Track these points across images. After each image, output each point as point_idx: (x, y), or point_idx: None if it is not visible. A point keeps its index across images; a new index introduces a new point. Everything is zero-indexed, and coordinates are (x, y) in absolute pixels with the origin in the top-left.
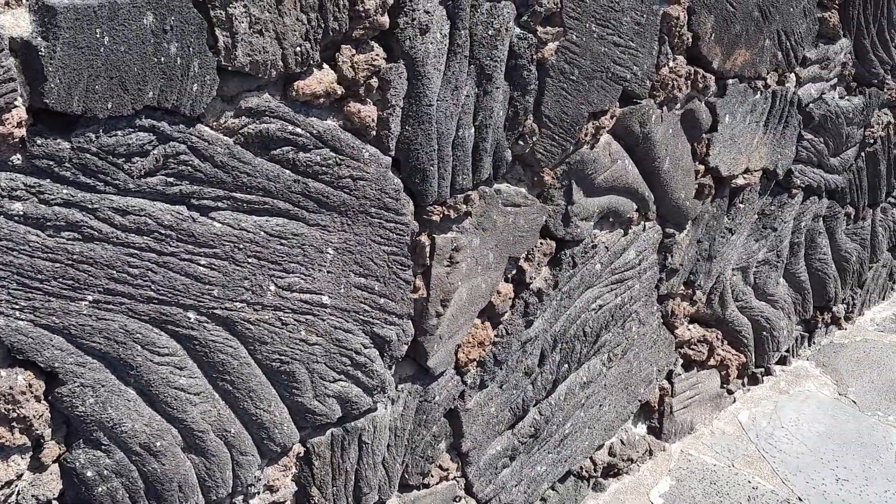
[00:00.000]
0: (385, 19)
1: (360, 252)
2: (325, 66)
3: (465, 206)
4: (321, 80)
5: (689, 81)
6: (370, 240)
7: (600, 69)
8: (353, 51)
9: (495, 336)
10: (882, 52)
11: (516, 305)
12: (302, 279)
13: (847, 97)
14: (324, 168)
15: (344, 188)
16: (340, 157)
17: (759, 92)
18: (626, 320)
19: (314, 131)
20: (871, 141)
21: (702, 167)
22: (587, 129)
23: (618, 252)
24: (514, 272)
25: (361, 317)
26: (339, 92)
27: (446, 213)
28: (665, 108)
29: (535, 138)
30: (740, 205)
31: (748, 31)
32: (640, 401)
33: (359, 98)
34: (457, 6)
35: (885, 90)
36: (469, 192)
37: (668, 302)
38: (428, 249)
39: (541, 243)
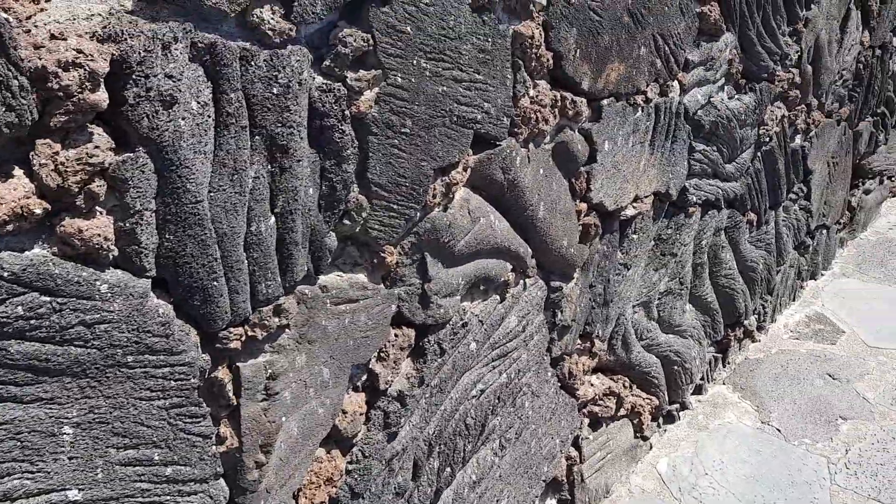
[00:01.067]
0: (100, 96)
1: (119, 418)
2: (16, 171)
3: (277, 320)
4: (1, 196)
5: (556, 110)
6: (133, 398)
7: (441, 114)
8: (58, 146)
9: (348, 464)
10: (770, 42)
11: (372, 419)
12: (28, 480)
13: (737, 96)
14: (32, 322)
15: (73, 341)
16: (59, 300)
17: (640, 108)
18: (517, 397)
19: (4, 273)
20: (767, 139)
21: (584, 205)
22: (435, 188)
23: (495, 322)
24: (364, 379)
25: (141, 499)
26: (40, 210)
27: (250, 333)
28: (532, 145)
29: (365, 213)
30: (634, 236)
31: (619, 40)
32: (544, 481)
33: (78, 211)
34: (218, 61)
35: (777, 83)
36: (280, 301)
37: (563, 363)
38: (231, 385)
39: (395, 336)
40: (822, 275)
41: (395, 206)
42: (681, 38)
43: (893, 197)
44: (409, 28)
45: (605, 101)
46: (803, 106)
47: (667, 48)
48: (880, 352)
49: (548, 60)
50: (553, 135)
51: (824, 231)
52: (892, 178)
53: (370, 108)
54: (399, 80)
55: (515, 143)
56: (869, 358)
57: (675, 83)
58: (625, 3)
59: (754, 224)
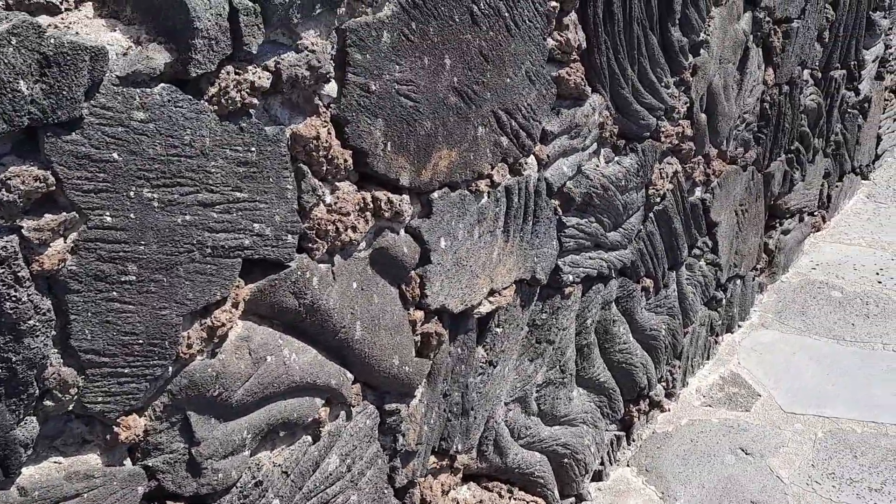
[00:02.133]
0: None
1: None
2: None
3: None
4: None
5: (367, 213)
6: None
7: (186, 248)
8: None
9: None
10: (650, 97)
11: None
12: None
13: (616, 159)
14: None
15: None
16: None
17: (484, 195)
18: None
19: None
20: (658, 199)
21: (420, 313)
22: (190, 336)
23: (308, 469)
24: None
25: None
26: None
27: None
28: (339, 257)
29: (75, 390)
30: (498, 329)
31: (447, 124)
32: None
33: None
34: None
35: (664, 139)
36: None
37: (413, 490)
38: None
39: None
40: (740, 326)
41: (126, 370)
42: (532, 109)
43: (816, 232)
44: (116, 155)
45: (435, 194)
46: (700, 157)
47: (514, 123)
48: (796, 418)
49: (346, 160)
50: (370, 240)
51: (738, 281)
52: (814, 214)
53: (62, 262)
54: (108, 219)
55: (310, 262)
56: (785, 427)
57: (531, 159)
58: (448, 81)
59: (651, 290)
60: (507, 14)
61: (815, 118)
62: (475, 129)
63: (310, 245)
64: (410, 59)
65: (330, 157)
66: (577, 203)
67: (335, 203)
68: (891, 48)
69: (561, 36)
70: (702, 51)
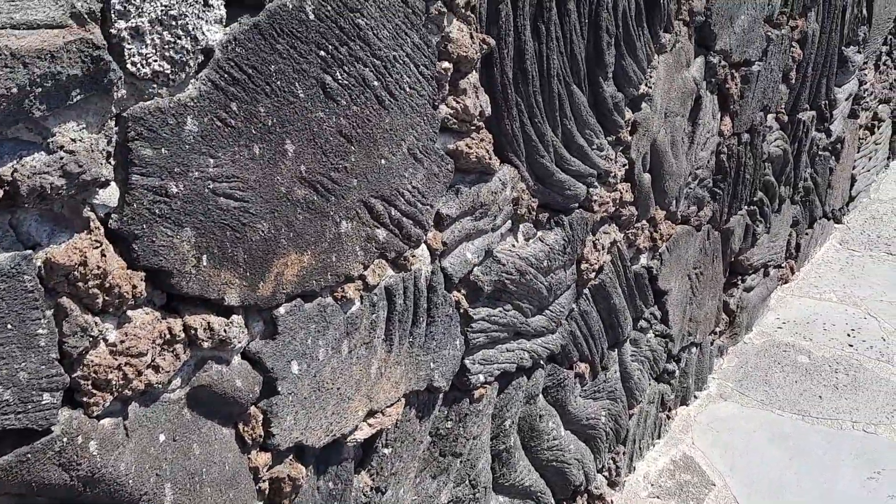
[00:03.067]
0: None
1: None
2: None
3: None
4: None
5: (178, 346)
6: None
7: None
8: None
9: None
10: (578, 163)
11: None
12: None
13: (539, 235)
14: None
15: None
16: None
17: (355, 301)
18: None
19: None
20: (592, 274)
21: (265, 456)
22: None
23: None
24: None
25: None
26: None
27: None
28: (136, 406)
29: None
30: (386, 450)
31: (293, 223)
32: None
33: None
34: None
35: (599, 207)
36: None
37: None
38: None
39: None
40: (696, 397)
41: None
42: (420, 191)
43: (784, 284)
44: None
45: (281, 310)
46: (644, 222)
47: (394, 212)
48: None
49: (135, 286)
50: (188, 376)
51: (694, 349)
52: (781, 266)
53: None
54: None
55: (86, 421)
56: None
57: (422, 250)
58: (293, 172)
59: (587, 375)
60: (376, 83)
61: (781, 165)
62: (336, 226)
63: (85, 399)
64: (232, 150)
65: (108, 284)
66: (486, 292)
67: (122, 341)
68: (865, 84)
69: (457, 102)
70: (643, 105)
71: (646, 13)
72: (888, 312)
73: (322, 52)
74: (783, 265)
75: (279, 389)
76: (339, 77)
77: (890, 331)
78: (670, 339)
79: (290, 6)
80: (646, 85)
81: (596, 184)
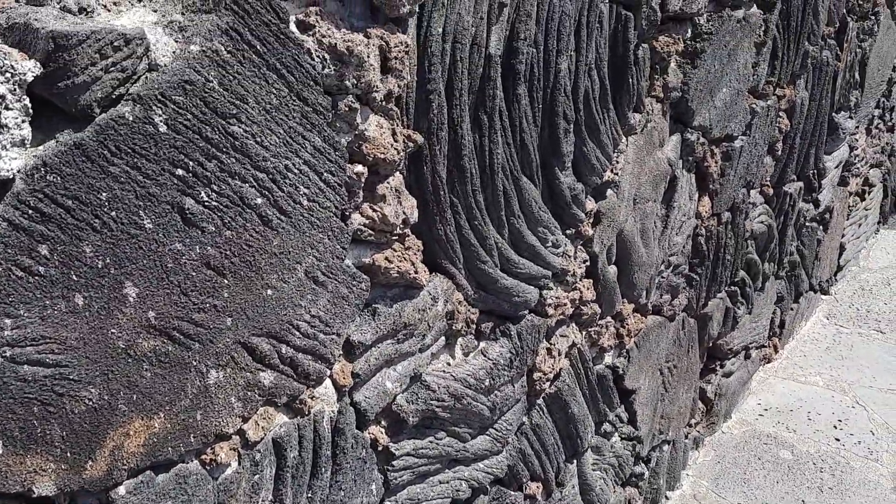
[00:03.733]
0: None
1: None
2: None
3: None
4: None
5: None
6: None
7: None
8: None
9: None
10: (529, 264)
11: None
12: None
13: (480, 348)
14: None
15: None
16: None
17: (230, 463)
18: None
19: None
20: (546, 384)
21: None
22: None
23: None
24: None
25: None
26: None
27: None
28: None
29: None
30: None
31: (136, 384)
32: None
33: None
34: None
35: (555, 309)
36: None
37: None
38: None
39: None
40: (667, 498)
41: None
42: (324, 320)
43: (767, 363)
44: None
45: (122, 489)
46: (609, 319)
47: (286, 349)
48: None
49: None
50: None
51: (666, 446)
52: (764, 346)
53: None
54: None
55: None
56: None
57: (326, 387)
58: (136, 321)
59: (540, 495)
60: (259, 200)
61: (766, 242)
62: (203, 377)
63: None
64: (42, 304)
65: None
66: (411, 424)
67: None
68: (856, 149)
69: (374, 210)
70: (609, 193)
71: (612, 93)
72: (878, 401)
73: (180, 171)
74: (766, 344)
75: None
76: (206, 198)
77: (879, 423)
78: (638, 440)
79: (131, 118)
80: (612, 171)
81: (551, 284)
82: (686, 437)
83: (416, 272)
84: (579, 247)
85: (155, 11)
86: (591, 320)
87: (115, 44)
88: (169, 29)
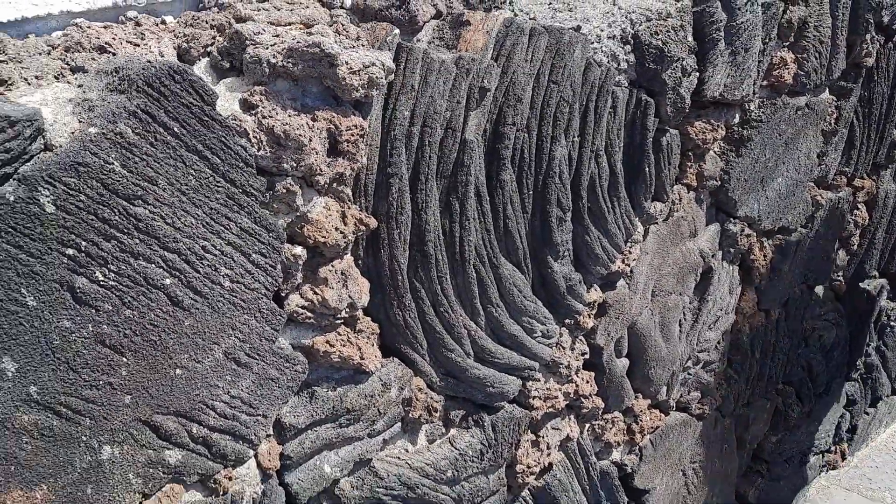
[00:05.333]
0: None
1: None
2: None
3: None
4: None
5: None
6: None
7: None
8: None
9: None
10: (509, 353)
11: None
12: None
13: (449, 437)
14: None
15: None
16: None
17: None
18: None
19: None
20: (531, 478)
21: None
22: None
23: None
24: None
25: None
26: None
27: None
28: None
29: None
30: None
31: (14, 455)
32: None
33: None
34: None
35: (539, 403)
36: None
37: None
38: None
39: None
40: None
41: None
42: (246, 400)
43: (832, 470)
44: None
45: None
46: (616, 413)
47: (198, 428)
48: None
49: None
50: None
51: None
52: (829, 451)
53: None
54: None
55: None
56: None
57: (248, 467)
58: (16, 394)
59: None
60: (168, 281)
61: (831, 343)
62: (93, 452)
63: None
64: None
65: None
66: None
67: None
68: None
69: (315, 293)
70: (620, 284)
71: (627, 181)
72: None
73: (70, 251)
74: (832, 450)
75: None
76: (102, 277)
77: None
78: None
79: (12, 198)
80: (623, 262)
81: (538, 375)
82: None
83: (361, 357)
84: (577, 338)
85: (80, 86)
86: (593, 414)
87: None
88: (80, 108)
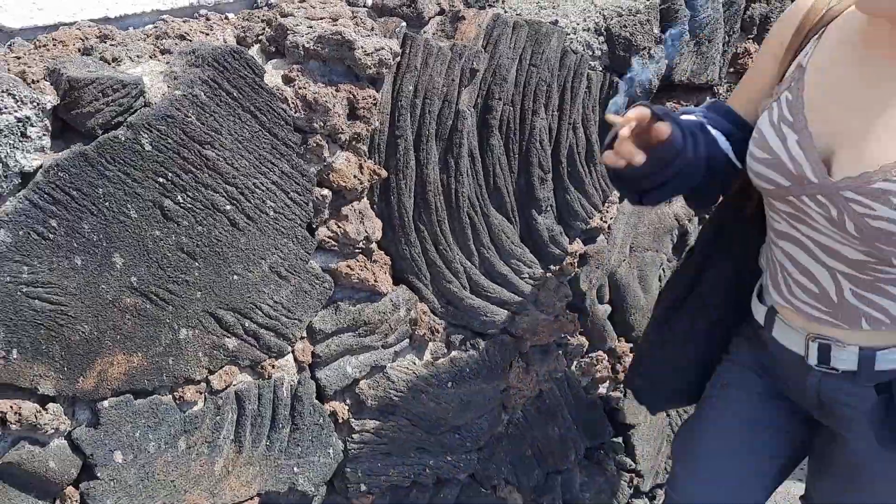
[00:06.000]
0: None
1: None
2: None
3: None
4: None
5: None
6: None
7: None
8: None
9: None
10: (500, 289)
11: None
12: None
13: (449, 358)
14: None
15: None
16: None
17: (196, 402)
18: None
19: None
20: (521, 401)
21: None
22: None
23: None
24: None
25: None
26: None
27: None
28: None
29: None
30: None
31: (120, 327)
32: None
33: None
34: None
35: (528, 335)
36: None
37: None
38: None
39: None
40: None
41: None
42: (286, 306)
43: None
44: None
45: (106, 403)
46: (601, 353)
47: (249, 324)
48: None
49: None
50: (2, 451)
51: None
52: None
53: None
54: None
55: None
56: None
57: (287, 360)
58: (121, 282)
59: (515, 502)
60: (228, 207)
61: None
62: (174, 332)
63: None
64: (50, 260)
65: None
66: (371, 407)
67: None
68: None
69: (338, 227)
70: (599, 238)
71: (601, 150)
72: None
73: (161, 179)
74: None
75: (98, 475)
76: (182, 200)
77: None
78: (637, 474)
79: (123, 138)
80: (601, 219)
81: (527, 311)
82: None
83: (375, 281)
84: (564, 283)
85: (167, 63)
86: (578, 351)
87: (114, 87)
88: (168, 77)
